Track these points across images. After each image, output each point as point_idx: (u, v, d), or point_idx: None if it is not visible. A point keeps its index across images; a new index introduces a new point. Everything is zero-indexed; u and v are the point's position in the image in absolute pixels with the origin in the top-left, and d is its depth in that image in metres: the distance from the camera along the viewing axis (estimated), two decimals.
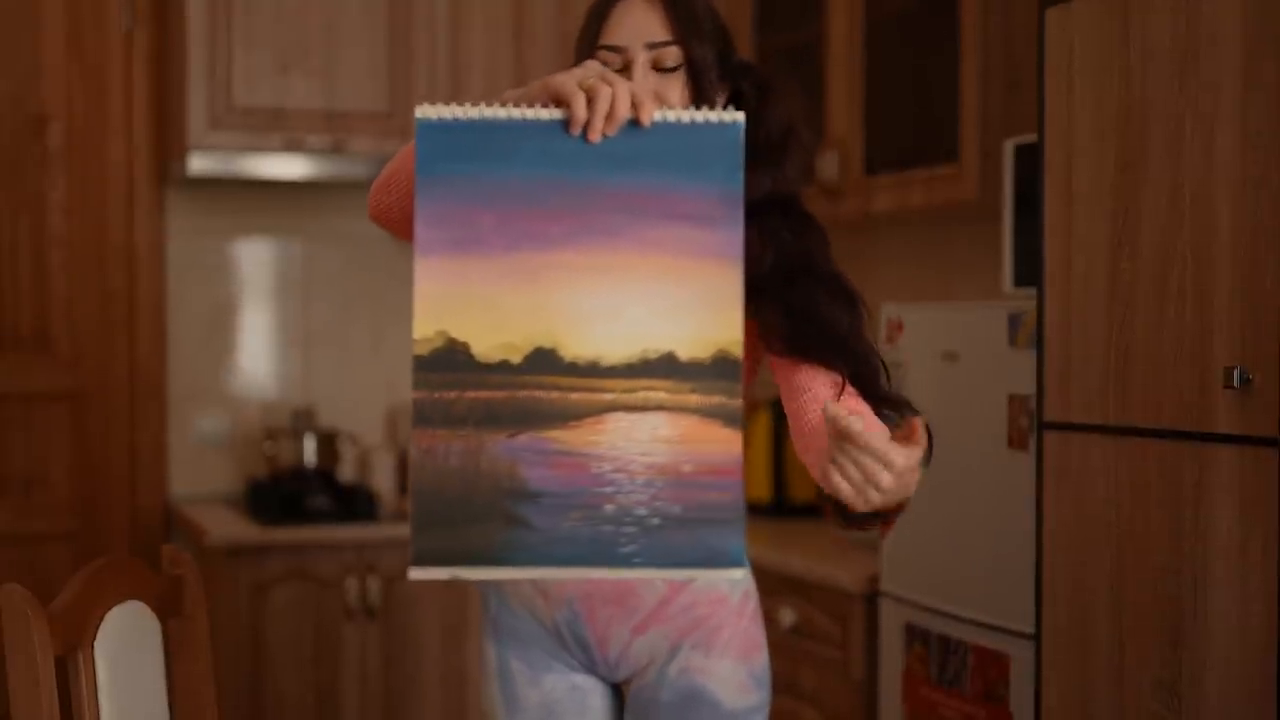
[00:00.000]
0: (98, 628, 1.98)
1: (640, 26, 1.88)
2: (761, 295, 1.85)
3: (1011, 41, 3.22)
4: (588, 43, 1.90)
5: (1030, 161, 2.72)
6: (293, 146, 3.96)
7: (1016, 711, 2.73)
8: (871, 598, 3.16)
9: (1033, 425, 2.61)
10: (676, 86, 1.88)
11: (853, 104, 3.60)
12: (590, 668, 2.05)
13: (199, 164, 3.92)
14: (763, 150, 1.91)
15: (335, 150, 4.00)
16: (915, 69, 3.50)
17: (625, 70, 1.87)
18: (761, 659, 2.05)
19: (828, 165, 3.61)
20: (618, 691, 2.09)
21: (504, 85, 4.17)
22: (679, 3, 1.90)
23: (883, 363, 1.91)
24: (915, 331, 3.04)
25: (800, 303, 1.87)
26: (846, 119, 3.60)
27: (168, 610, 2.15)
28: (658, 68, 1.88)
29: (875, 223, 3.75)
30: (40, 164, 4.14)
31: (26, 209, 4.13)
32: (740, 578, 1.49)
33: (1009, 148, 2.95)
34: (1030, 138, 2.79)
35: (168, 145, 4.15)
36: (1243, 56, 2.16)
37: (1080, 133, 2.44)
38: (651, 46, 1.87)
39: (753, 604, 2.06)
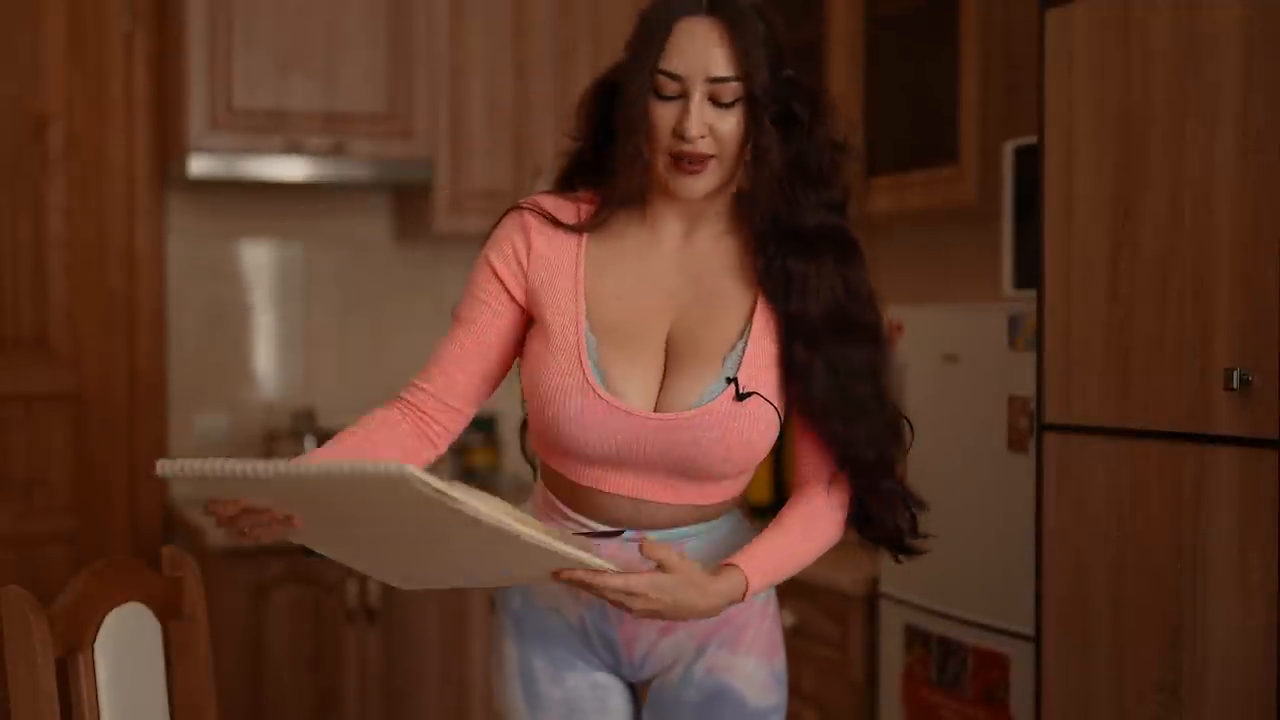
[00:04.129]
0: (98, 629, 1.98)
1: (702, 57, 1.87)
2: (809, 346, 1.93)
3: (1011, 42, 3.22)
4: (649, 61, 1.88)
5: (1030, 163, 2.72)
6: (293, 148, 3.96)
7: (1016, 713, 2.73)
8: (871, 599, 3.16)
9: (1033, 427, 2.61)
10: (732, 120, 1.88)
11: (852, 105, 3.59)
12: (613, 667, 2.05)
13: (199, 166, 3.91)
14: (815, 172, 1.94)
15: (335, 152, 4.00)
16: (915, 70, 3.50)
17: (683, 99, 1.87)
18: (781, 660, 2.07)
19: None
20: (634, 691, 2.09)
21: (504, 85, 4.18)
22: (744, 31, 1.88)
23: (906, 427, 1.99)
24: (915, 333, 3.04)
25: (839, 369, 1.93)
26: (846, 120, 3.59)
27: (168, 612, 2.15)
28: (715, 101, 1.87)
29: (875, 224, 3.75)
30: (40, 165, 4.14)
31: (27, 210, 4.13)
32: None
33: (1009, 149, 2.95)
34: (1030, 139, 2.79)
35: (168, 147, 4.15)
36: (1243, 56, 2.16)
37: (1080, 133, 2.44)
38: (712, 81, 1.87)
39: (773, 606, 2.08)
